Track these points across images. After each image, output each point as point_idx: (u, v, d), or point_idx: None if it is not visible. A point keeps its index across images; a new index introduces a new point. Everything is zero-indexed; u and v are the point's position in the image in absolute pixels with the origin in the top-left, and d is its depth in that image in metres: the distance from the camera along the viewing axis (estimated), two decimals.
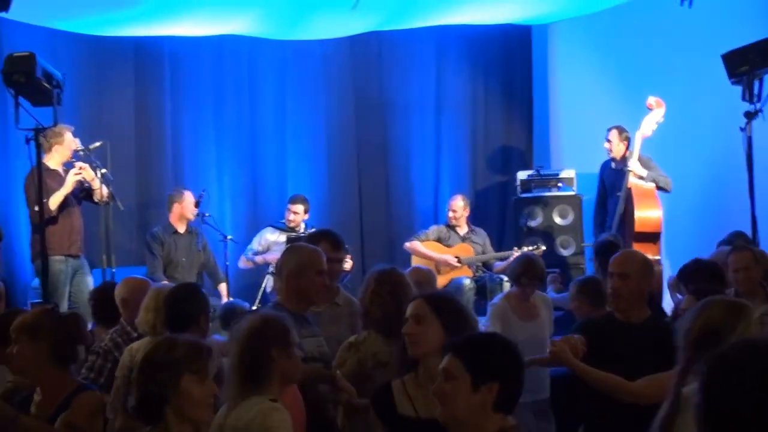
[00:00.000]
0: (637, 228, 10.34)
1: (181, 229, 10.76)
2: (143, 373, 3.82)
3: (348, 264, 10.87)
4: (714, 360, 2.54)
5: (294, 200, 11.31)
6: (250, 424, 3.93)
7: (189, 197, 10.80)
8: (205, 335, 5.43)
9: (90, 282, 9.63)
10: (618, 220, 10.51)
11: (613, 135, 10.78)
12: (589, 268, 11.58)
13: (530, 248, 10.80)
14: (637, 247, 10.22)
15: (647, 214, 10.34)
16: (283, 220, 11.35)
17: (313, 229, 11.19)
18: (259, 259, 11.23)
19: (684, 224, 10.70)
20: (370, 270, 5.81)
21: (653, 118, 10.44)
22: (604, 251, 7.93)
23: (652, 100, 10.49)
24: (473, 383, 3.41)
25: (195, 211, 10.78)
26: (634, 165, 10.45)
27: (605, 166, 11.02)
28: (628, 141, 10.74)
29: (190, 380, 3.76)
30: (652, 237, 10.34)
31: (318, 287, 5.42)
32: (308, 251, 5.51)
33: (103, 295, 6.87)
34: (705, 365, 2.52)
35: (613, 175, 10.87)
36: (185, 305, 5.45)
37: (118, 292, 6.46)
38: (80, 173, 9.45)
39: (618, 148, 10.75)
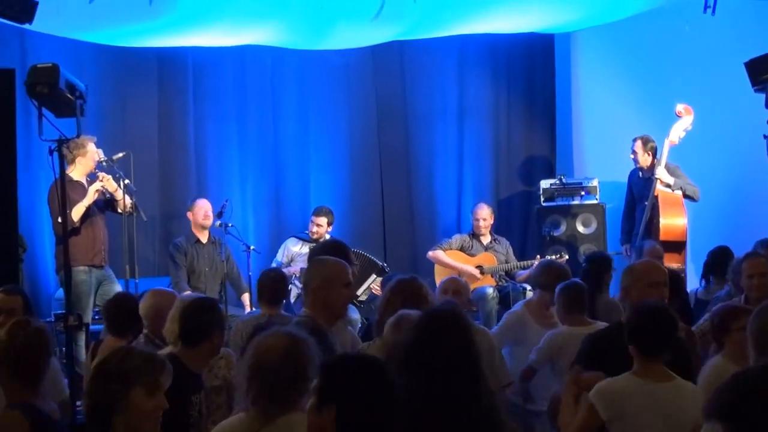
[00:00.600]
0: (663, 236, 10.31)
1: (203, 238, 10.79)
2: (94, 383, 3.75)
3: (379, 289, 10.80)
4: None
5: (318, 212, 11.32)
6: None
7: (199, 204, 10.89)
8: (216, 351, 5.44)
9: (118, 290, 9.66)
10: (644, 228, 10.48)
11: (638, 146, 10.76)
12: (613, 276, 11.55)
13: (553, 257, 10.78)
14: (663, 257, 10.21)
15: (672, 222, 10.30)
16: (307, 231, 11.35)
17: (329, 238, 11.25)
18: (285, 271, 11.22)
19: (708, 232, 10.66)
20: (392, 279, 5.82)
21: (681, 126, 10.42)
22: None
23: (680, 107, 10.46)
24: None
25: (208, 217, 10.79)
26: (661, 173, 10.43)
27: (633, 174, 11.01)
28: (654, 150, 10.71)
29: (140, 393, 3.70)
30: (677, 246, 10.30)
31: (345, 300, 5.45)
32: (333, 264, 5.51)
33: (117, 305, 6.89)
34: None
35: (641, 184, 10.85)
36: (200, 319, 5.39)
37: (144, 304, 6.49)
38: (102, 183, 9.50)
39: (644, 159, 10.73)
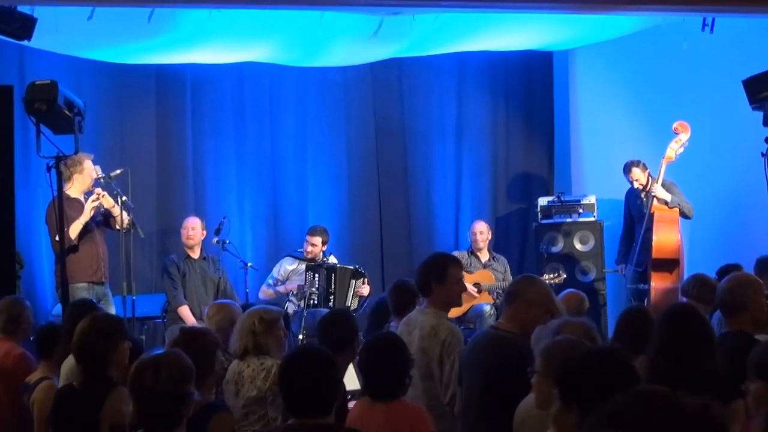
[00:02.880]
0: (655, 254, 10.30)
1: (194, 255, 10.79)
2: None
3: (366, 289, 10.95)
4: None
5: (313, 232, 11.31)
6: None
7: (184, 224, 10.90)
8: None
9: (112, 311, 9.64)
10: (640, 246, 10.47)
11: (637, 172, 10.74)
12: (610, 293, 11.55)
13: (551, 275, 10.78)
14: (654, 276, 10.19)
15: (665, 238, 10.29)
16: (301, 250, 11.35)
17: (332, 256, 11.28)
18: (281, 288, 11.24)
19: (704, 250, 10.65)
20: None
21: (678, 143, 10.42)
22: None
23: (677, 124, 10.47)
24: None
25: (189, 238, 10.76)
26: (658, 190, 10.43)
27: (632, 194, 11.00)
28: (647, 169, 10.75)
29: None
30: (669, 264, 10.25)
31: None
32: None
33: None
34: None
35: (639, 202, 10.85)
36: (340, 329, 6.00)
37: (210, 318, 6.58)
38: (98, 200, 9.49)
39: (646, 181, 10.72)
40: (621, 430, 2.26)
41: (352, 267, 11.16)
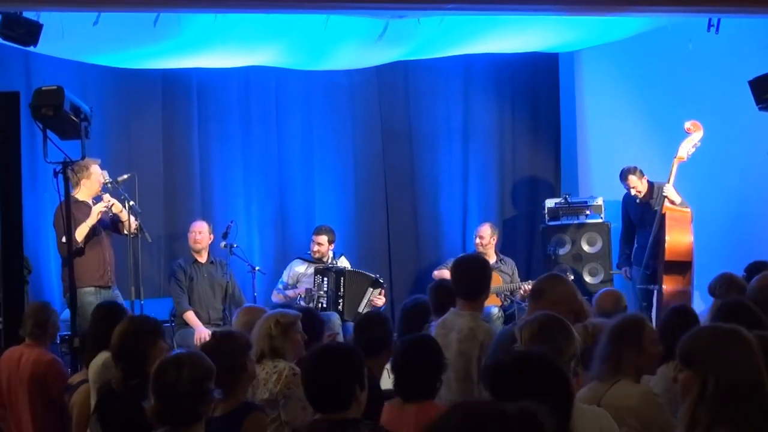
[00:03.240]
0: (668, 256, 10.23)
1: (201, 259, 10.81)
2: None
3: (381, 300, 10.91)
4: None
5: (318, 231, 11.32)
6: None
7: (191, 228, 10.94)
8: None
9: None
10: (650, 248, 10.43)
11: (635, 180, 10.70)
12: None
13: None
14: (666, 279, 10.14)
15: (678, 240, 10.24)
16: (309, 252, 11.36)
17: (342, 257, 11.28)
18: (290, 293, 11.24)
19: (711, 250, 10.63)
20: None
21: (691, 142, 10.39)
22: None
23: (689, 123, 10.43)
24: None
25: (196, 242, 10.81)
26: (669, 191, 10.39)
27: (630, 199, 10.96)
28: (644, 175, 10.71)
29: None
30: (683, 267, 10.20)
31: None
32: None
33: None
34: None
35: (639, 209, 10.82)
36: (376, 331, 6.14)
37: (238, 321, 6.60)
38: (107, 206, 9.52)
39: (644, 187, 10.70)
40: None
41: (373, 276, 11.14)
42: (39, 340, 7.06)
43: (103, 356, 6.05)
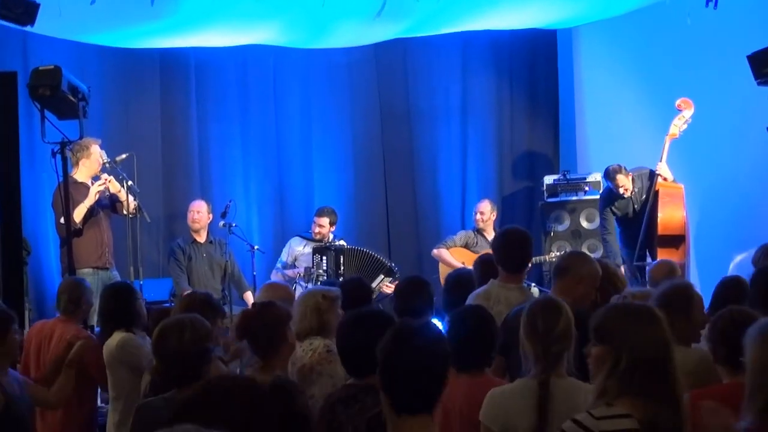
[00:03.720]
0: (661, 230, 10.24)
1: (200, 238, 10.82)
2: None
3: (390, 290, 10.80)
4: None
5: (320, 213, 11.30)
6: None
7: (190, 207, 10.99)
8: None
9: None
10: (645, 226, 10.41)
11: (622, 178, 10.58)
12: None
13: (557, 253, 10.76)
14: (661, 252, 10.14)
15: (671, 215, 10.25)
16: (310, 231, 11.36)
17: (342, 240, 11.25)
18: (290, 272, 11.24)
19: (710, 227, 10.63)
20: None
21: (682, 119, 10.40)
22: None
23: (680, 101, 10.45)
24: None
25: (195, 221, 10.84)
26: (662, 168, 10.39)
27: (610, 201, 10.85)
28: (630, 173, 10.65)
29: None
30: (676, 240, 10.21)
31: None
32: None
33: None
34: None
35: (625, 201, 10.74)
36: (419, 297, 6.23)
37: (260, 298, 6.56)
38: (104, 184, 9.50)
39: (630, 184, 10.63)
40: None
41: (389, 264, 11.12)
42: (72, 316, 7.06)
43: (117, 337, 6.18)
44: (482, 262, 7.37)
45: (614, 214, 10.90)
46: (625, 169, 10.66)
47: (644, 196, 10.61)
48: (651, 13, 11.28)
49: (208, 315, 5.23)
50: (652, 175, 10.58)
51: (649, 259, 10.26)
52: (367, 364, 4.08)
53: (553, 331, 4.48)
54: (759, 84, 8.73)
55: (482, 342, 5.06)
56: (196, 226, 10.83)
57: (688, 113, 10.40)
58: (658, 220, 10.25)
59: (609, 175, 10.69)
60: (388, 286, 10.92)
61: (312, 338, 5.82)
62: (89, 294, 7.23)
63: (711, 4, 9.40)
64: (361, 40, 12.16)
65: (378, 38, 12.09)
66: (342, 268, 10.83)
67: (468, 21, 11.70)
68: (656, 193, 10.39)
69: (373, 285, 10.81)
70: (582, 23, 12.31)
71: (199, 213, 10.85)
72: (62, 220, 8.76)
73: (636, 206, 10.71)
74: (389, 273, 11.04)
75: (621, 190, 10.65)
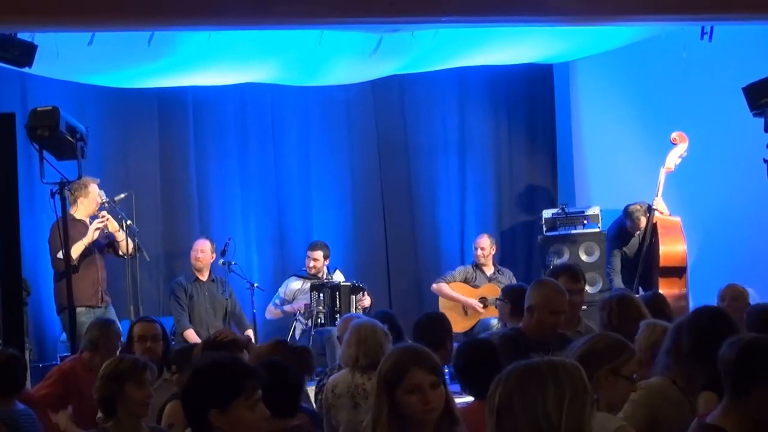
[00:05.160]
0: (663, 263, 10.26)
1: (202, 276, 10.84)
2: (100, 383, 5.09)
3: (366, 300, 10.95)
4: None
5: (313, 247, 11.37)
6: None
7: (193, 246, 11.04)
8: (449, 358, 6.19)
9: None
10: (643, 258, 10.41)
11: (644, 221, 10.55)
12: None
13: None
14: (662, 282, 10.17)
15: (672, 248, 10.28)
16: (305, 268, 11.37)
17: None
18: (287, 308, 11.27)
19: (707, 258, 10.64)
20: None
21: (677, 153, 10.45)
22: None
23: (675, 134, 10.50)
24: None
25: (198, 259, 10.88)
26: (659, 203, 10.41)
27: (621, 236, 10.88)
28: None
29: (132, 387, 5.00)
30: (678, 271, 10.24)
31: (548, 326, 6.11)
32: (549, 291, 6.18)
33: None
34: None
35: (635, 241, 10.78)
36: (435, 330, 6.39)
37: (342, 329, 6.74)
38: (103, 222, 9.51)
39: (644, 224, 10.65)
40: None
41: (349, 283, 11.18)
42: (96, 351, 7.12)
43: None
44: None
45: (624, 254, 10.89)
46: (643, 206, 10.65)
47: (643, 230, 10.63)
48: (647, 47, 11.32)
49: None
50: (650, 210, 10.60)
51: (641, 291, 10.26)
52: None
53: None
54: (754, 115, 8.77)
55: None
56: (199, 265, 10.86)
57: (683, 147, 10.45)
58: (660, 252, 10.26)
59: (631, 214, 10.65)
60: (362, 300, 11.07)
61: (371, 373, 5.84)
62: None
63: (706, 37, 9.43)
64: (358, 77, 12.19)
65: (375, 75, 12.12)
66: (339, 304, 10.88)
67: (464, 57, 11.73)
68: (654, 225, 10.41)
69: (352, 309, 10.84)
70: (578, 57, 12.34)
71: (203, 252, 10.88)
72: (59, 255, 8.77)
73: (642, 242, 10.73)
74: (355, 290, 11.12)
75: (635, 230, 10.67)
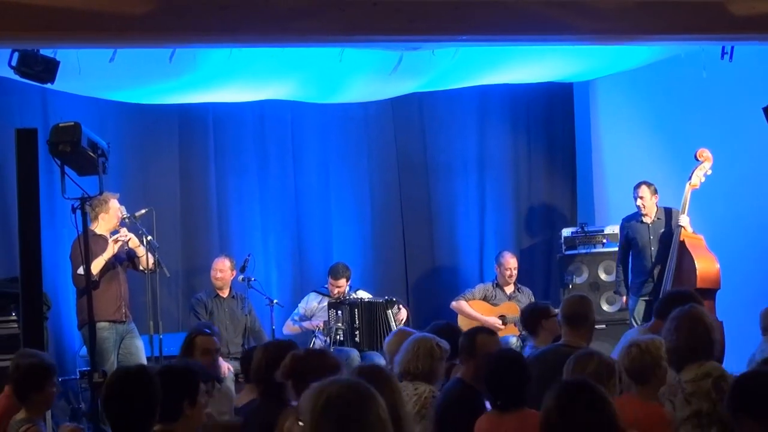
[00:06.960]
0: (700, 283, 10.03)
1: (222, 293, 10.86)
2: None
3: (403, 313, 10.93)
4: None
5: (336, 275, 11.21)
6: None
7: (213, 264, 11.07)
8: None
9: (140, 345, 9.75)
10: (672, 278, 10.31)
11: (646, 191, 10.63)
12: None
13: None
14: None
15: (709, 267, 10.11)
16: (326, 286, 11.35)
17: (360, 291, 11.27)
18: (306, 324, 11.27)
19: (728, 278, 10.58)
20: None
21: (702, 170, 10.36)
22: None
23: (700, 151, 10.42)
24: None
25: (217, 279, 10.91)
26: (683, 219, 10.34)
27: (632, 219, 10.85)
28: (657, 194, 10.66)
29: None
30: (711, 294, 10.11)
31: None
32: None
33: None
34: None
35: (643, 230, 10.72)
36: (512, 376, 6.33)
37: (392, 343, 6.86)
38: (126, 237, 9.56)
39: (651, 204, 10.63)
40: None
41: (381, 299, 11.16)
42: None
43: None
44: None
45: (629, 242, 10.85)
46: (655, 189, 10.63)
47: (663, 230, 10.56)
48: (667, 66, 11.32)
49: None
50: (668, 212, 10.57)
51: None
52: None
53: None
54: None
55: (518, 380, 5.53)
56: (219, 283, 10.90)
57: (707, 164, 10.37)
58: (698, 272, 10.09)
59: (637, 185, 10.74)
60: (399, 314, 11.06)
61: (418, 383, 6.04)
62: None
63: (726, 57, 9.44)
64: (378, 95, 12.22)
65: (395, 93, 12.14)
66: (358, 321, 10.85)
67: (484, 75, 11.75)
68: (682, 243, 10.31)
69: (392, 324, 10.82)
70: (598, 76, 12.36)
71: (222, 272, 10.93)
72: (80, 271, 8.80)
73: (651, 236, 10.65)
74: (389, 305, 11.06)
75: (638, 202, 10.65)
